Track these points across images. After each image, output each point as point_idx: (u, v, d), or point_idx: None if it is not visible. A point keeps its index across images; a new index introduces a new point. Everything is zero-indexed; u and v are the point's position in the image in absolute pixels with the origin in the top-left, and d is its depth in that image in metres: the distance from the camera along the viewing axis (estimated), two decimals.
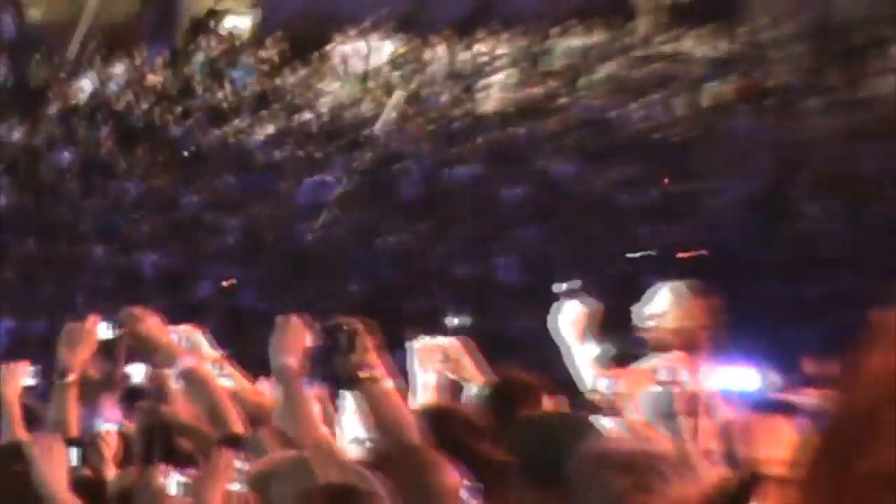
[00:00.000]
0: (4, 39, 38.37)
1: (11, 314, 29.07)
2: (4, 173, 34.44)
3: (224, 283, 29.46)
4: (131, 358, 9.87)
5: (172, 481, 7.89)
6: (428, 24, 35.20)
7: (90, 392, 10.55)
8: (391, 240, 29.85)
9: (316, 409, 8.59)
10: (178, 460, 8.12)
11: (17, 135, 35.28)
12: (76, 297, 29.03)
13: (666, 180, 28.45)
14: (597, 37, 35.04)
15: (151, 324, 8.71)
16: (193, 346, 10.07)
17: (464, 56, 35.43)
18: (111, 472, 9.12)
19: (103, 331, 8.82)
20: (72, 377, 8.76)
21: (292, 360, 8.24)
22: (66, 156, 34.37)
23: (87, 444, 9.14)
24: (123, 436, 9.74)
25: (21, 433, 9.20)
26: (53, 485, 7.82)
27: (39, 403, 10.09)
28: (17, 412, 9.32)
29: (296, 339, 8.25)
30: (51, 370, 9.53)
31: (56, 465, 7.91)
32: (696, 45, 34.51)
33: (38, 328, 27.19)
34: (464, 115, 33.62)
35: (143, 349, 8.80)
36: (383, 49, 35.84)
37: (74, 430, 8.68)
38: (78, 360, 8.69)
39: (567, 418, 8.02)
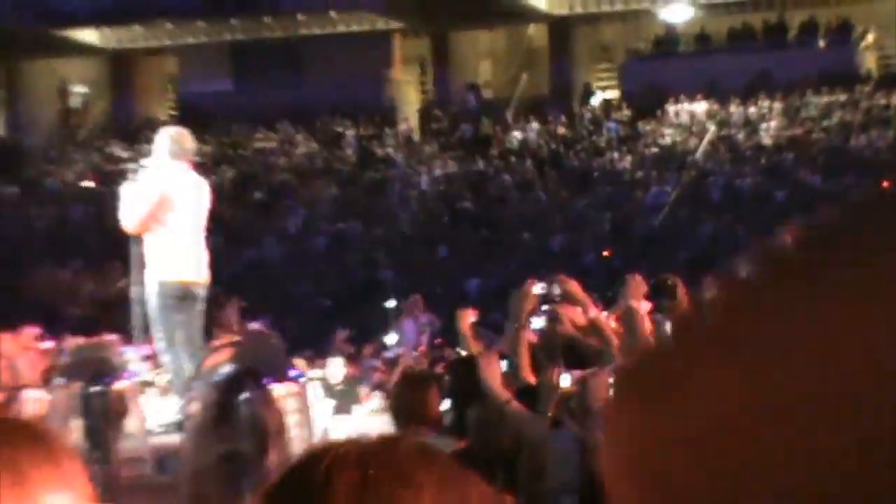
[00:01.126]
0: (470, 108, 40.96)
1: (478, 275, 31.52)
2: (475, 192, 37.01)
3: (604, 254, 32.25)
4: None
5: (565, 379, 7.61)
6: (726, 90, 38.50)
7: None
8: (705, 226, 33.75)
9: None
10: (571, 364, 7.88)
11: (476, 165, 38.28)
12: (510, 266, 30.99)
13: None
14: (836, 95, 38.15)
15: (573, 285, 8.85)
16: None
17: (750, 109, 38.76)
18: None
19: (538, 289, 8.71)
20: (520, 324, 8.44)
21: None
22: (507, 178, 37.46)
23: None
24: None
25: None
26: (495, 386, 7.45)
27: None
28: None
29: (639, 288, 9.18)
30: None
31: (494, 373, 7.63)
32: None
33: (495, 283, 29.16)
34: (751, 146, 37.48)
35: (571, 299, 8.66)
36: (698, 107, 39.09)
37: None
38: (524, 312, 8.42)
39: None
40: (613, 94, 42.07)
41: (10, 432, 1.88)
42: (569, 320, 8.56)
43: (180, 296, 10.97)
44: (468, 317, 9.91)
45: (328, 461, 1.77)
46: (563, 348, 8.23)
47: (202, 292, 11.27)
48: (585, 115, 40.53)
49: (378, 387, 15.13)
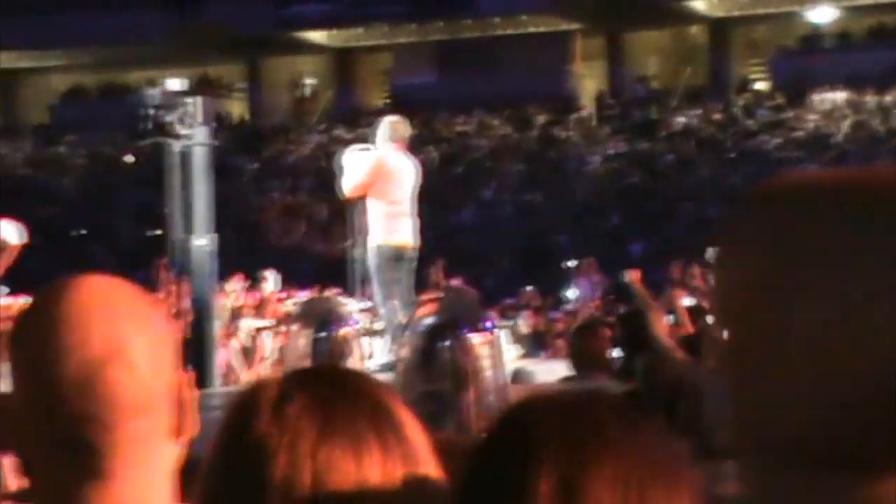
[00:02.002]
0: (639, 97, 41.02)
1: (643, 240, 31.41)
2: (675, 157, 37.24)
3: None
4: None
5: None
6: (864, 82, 37.88)
7: None
8: None
9: None
10: None
11: (644, 146, 37.79)
12: (671, 233, 30.88)
13: None
14: None
15: None
16: None
17: (885, 98, 38.17)
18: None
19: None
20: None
21: None
22: (669, 157, 37.10)
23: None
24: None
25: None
26: (662, 335, 7.41)
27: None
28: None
29: None
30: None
31: (660, 325, 7.62)
32: None
33: (657, 248, 28.76)
34: (885, 131, 36.99)
35: None
36: (839, 96, 38.67)
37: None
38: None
39: None
40: (764, 84, 41.88)
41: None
42: None
43: (396, 257, 11.13)
44: (635, 275, 9.85)
45: (535, 417, 1.68)
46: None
47: (413, 254, 11.42)
48: (739, 102, 40.23)
49: (559, 335, 15.06)
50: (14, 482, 3.09)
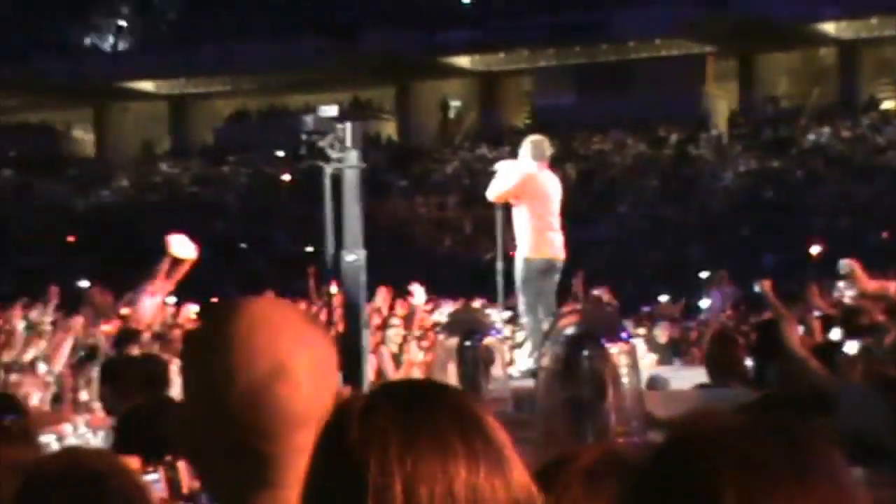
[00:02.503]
0: (770, 116, 39.89)
1: (774, 252, 30.30)
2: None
3: (884, 235, 30.28)
4: None
5: (851, 346, 7.17)
6: None
7: None
8: None
9: None
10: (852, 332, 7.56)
11: (774, 163, 37.16)
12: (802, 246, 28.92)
13: None
14: None
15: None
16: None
17: None
18: None
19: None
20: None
21: None
22: (799, 173, 36.30)
23: None
24: None
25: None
26: (796, 345, 6.97)
27: None
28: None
29: None
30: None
31: (794, 334, 7.18)
32: None
33: (788, 260, 28.34)
34: None
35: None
36: None
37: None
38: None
39: None
40: (893, 104, 40.84)
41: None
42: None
43: (543, 269, 11.05)
44: (768, 286, 9.55)
45: (712, 440, 1.59)
46: (846, 316, 8.11)
47: (560, 266, 11.33)
48: (867, 121, 39.27)
49: (693, 344, 14.89)
50: (187, 485, 3.10)
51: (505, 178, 11.38)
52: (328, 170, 8.88)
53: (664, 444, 1.62)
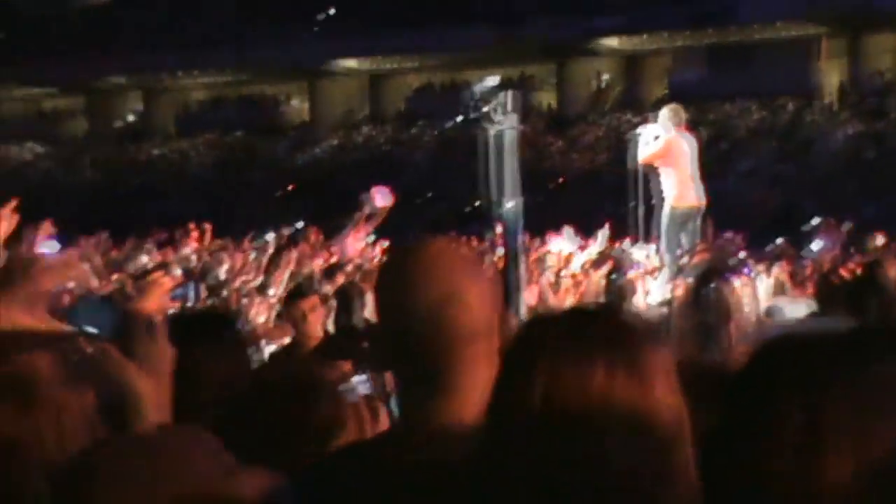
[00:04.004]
0: (875, 88, 37.97)
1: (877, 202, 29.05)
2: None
3: None
4: None
5: None
6: None
7: None
8: None
9: None
10: None
11: (877, 126, 35.13)
12: None
13: None
14: None
15: None
16: None
17: None
18: None
19: None
20: None
21: None
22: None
23: None
24: None
25: None
26: (892, 282, 6.38)
27: None
28: None
29: None
30: None
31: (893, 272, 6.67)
32: None
33: (888, 211, 27.68)
34: None
35: None
36: None
37: None
38: None
39: None
40: None
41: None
42: None
43: (685, 217, 11.05)
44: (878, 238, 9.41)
45: (785, 355, 1.54)
46: None
47: (699, 212, 11.34)
48: None
49: (805, 279, 14.47)
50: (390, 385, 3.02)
51: (651, 146, 11.38)
52: (492, 131, 8.91)
53: (750, 357, 1.57)
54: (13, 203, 4.60)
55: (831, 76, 39.60)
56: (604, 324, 1.71)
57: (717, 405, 1.55)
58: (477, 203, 8.88)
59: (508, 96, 8.93)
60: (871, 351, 1.52)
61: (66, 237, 10.72)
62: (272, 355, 6.48)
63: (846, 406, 1.43)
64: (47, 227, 7.24)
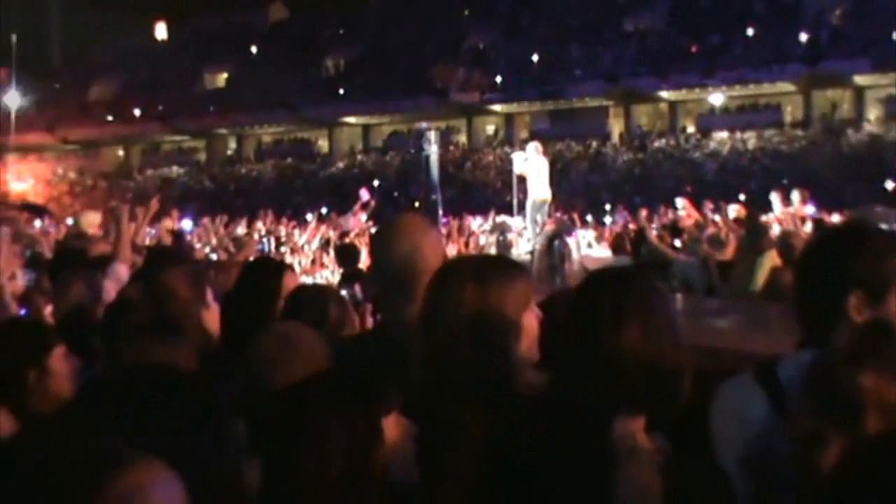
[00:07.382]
0: None
1: None
2: None
3: None
4: None
5: None
6: None
7: None
8: None
9: None
10: None
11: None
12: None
13: None
14: None
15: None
16: None
17: None
18: None
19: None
20: None
21: None
22: None
23: None
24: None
25: None
26: None
27: None
28: None
29: None
30: None
31: None
32: None
33: None
34: None
35: None
36: None
37: None
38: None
39: None
40: None
41: None
42: None
43: (541, 204, 9.20)
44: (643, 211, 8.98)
45: (603, 282, 1.43)
46: None
47: (548, 203, 9.38)
48: None
49: (604, 239, 13.55)
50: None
51: (524, 164, 9.34)
52: (429, 155, 8.32)
53: (583, 280, 1.48)
54: (155, 200, 4.42)
55: (616, 127, 39.55)
56: (482, 261, 1.60)
57: (569, 312, 1.44)
58: (422, 195, 8.45)
59: (433, 136, 8.88)
60: (643, 273, 1.48)
61: (195, 219, 11.40)
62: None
63: (636, 299, 1.38)
64: (174, 214, 7.35)
